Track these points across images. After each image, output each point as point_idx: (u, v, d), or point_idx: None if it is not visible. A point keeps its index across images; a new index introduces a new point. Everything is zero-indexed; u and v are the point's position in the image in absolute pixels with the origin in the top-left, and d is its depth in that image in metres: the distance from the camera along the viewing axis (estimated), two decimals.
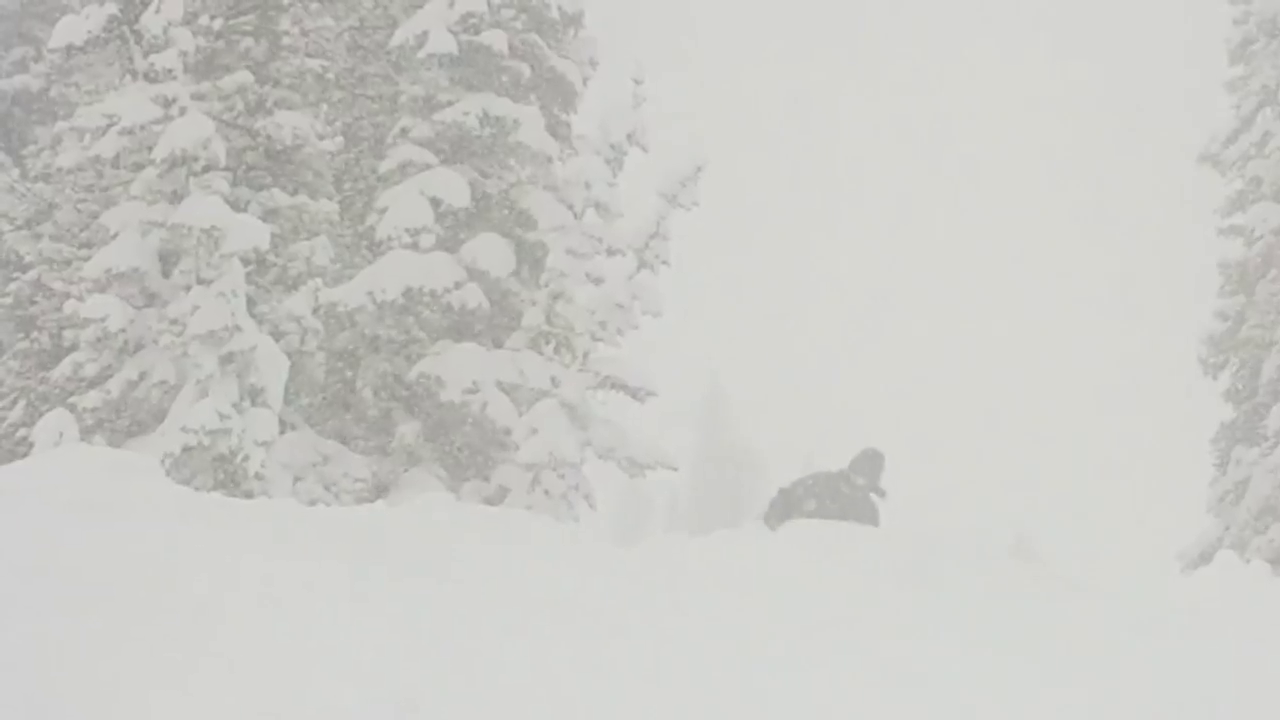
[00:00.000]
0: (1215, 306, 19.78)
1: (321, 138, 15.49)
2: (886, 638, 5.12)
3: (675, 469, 15.86)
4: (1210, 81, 20.70)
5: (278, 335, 13.95)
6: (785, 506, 9.78)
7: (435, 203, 14.87)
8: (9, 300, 15.43)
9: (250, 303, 13.58)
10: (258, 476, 12.73)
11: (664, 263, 15.63)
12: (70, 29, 14.48)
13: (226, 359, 12.96)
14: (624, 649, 4.74)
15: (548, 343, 14.85)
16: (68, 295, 14.20)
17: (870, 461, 9.85)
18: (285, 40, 15.48)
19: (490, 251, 15.03)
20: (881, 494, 9.79)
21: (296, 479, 13.59)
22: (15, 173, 16.78)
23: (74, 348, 13.95)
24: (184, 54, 14.04)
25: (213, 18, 14.86)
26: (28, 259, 15.29)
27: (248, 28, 15.18)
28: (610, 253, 15.50)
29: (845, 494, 9.72)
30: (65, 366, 13.78)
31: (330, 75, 15.92)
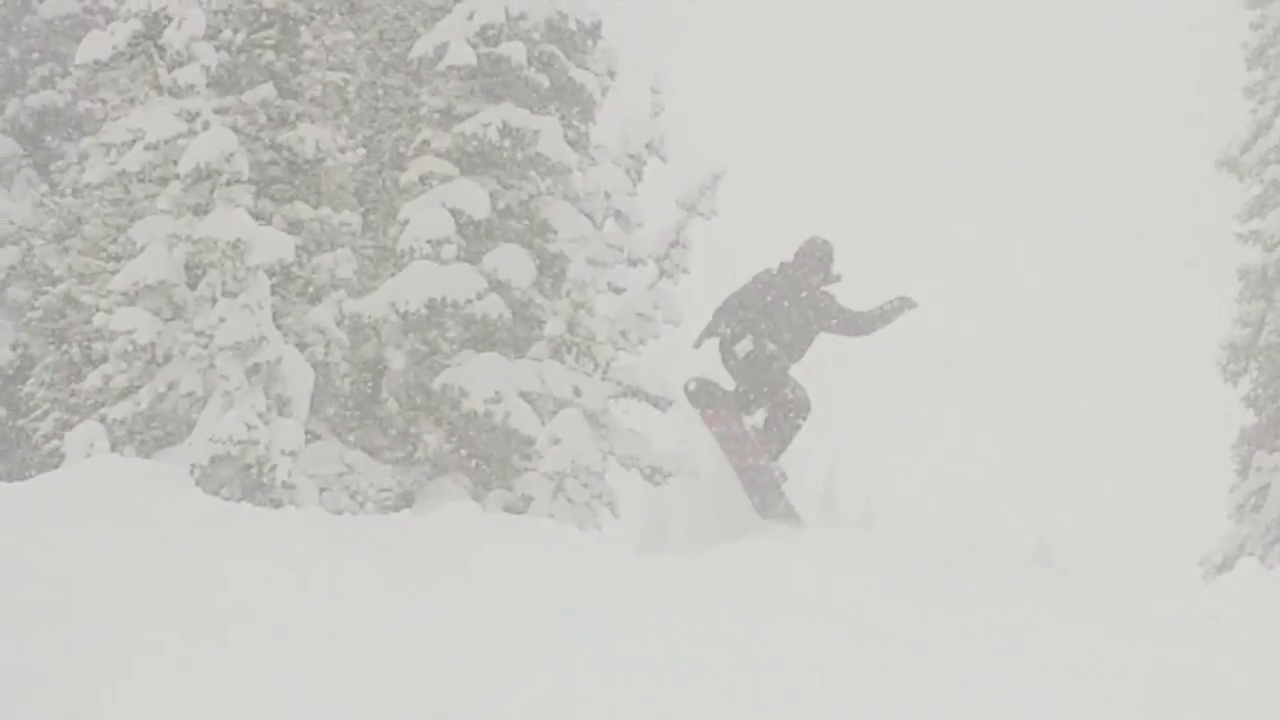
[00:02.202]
0: (1234, 312, 19.72)
1: (343, 150, 15.64)
2: (907, 645, 5.15)
3: (697, 477, 15.94)
4: (1228, 86, 20.68)
5: (302, 346, 14.11)
6: (732, 309, 8.82)
7: (456, 214, 14.98)
8: (39, 313, 15.62)
9: (275, 314, 13.73)
10: (285, 486, 12.86)
11: (685, 271, 15.70)
12: (95, 45, 14.68)
13: (253, 370, 13.11)
14: (647, 656, 4.79)
15: (569, 352, 14.95)
16: (97, 308, 14.38)
17: (817, 250, 8.80)
18: (306, 54, 15.66)
19: (511, 262, 15.13)
20: (837, 279, 8.88)
21: (322, 489, 13.71)
22: (44, 188, 16.97)
23: (103, 360, 14.13)
24: (206, 69, 14.22)
25: (235, 32, 15.05)
26: (57, 273, 15.49)
27: (269, 42, 15.35)
28: (631, 262, 15.58)
29: (800, 290, 8.74)
30: (95, 378, 13.95)
31: (351, 88, 16.08)
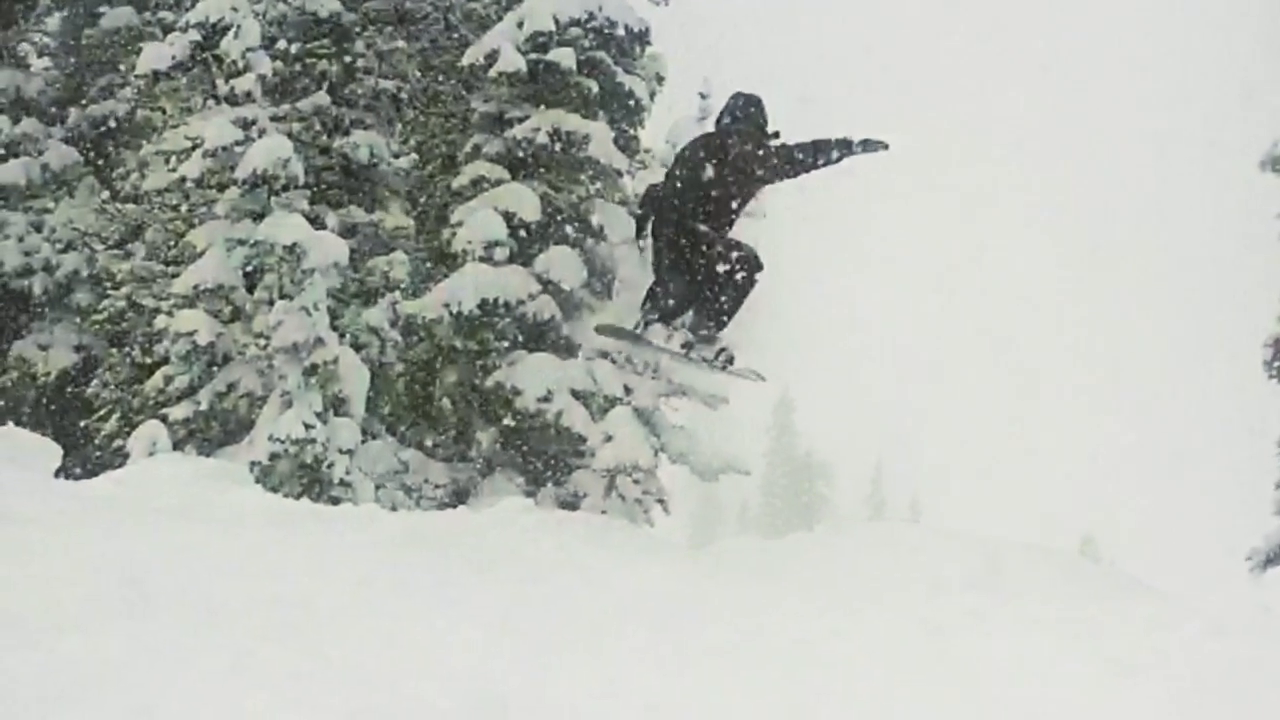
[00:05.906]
0: (1278, 310, 19.43)
1: (396, 156, 15.83)
2: (958, 637, 5.20)
3: (748, 473, 15.99)
4: (1273, 84, 20.37)
5: (358, 347, 14.30)
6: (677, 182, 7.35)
7: (508, 217, 15.12)
8: (102, 317, 15.90)
9: (331, 316, 13.94)
10: (342, 483, 13.06)
11: None
12: (155, 55, 14.97)
13: (310, 370, 13.32)
14: (699, 647, 4.87)
15: (620, 352, 15.04)
16: (158, 311, 14.67)
17: (746, 104, 7.42)
18: (359, 62, 15.88)
19: (562, 264, 15.25)
20: (776, 135, 7.46)
21: (378, 486, 13.90)
22: (105, 195, 17.27)
23: (164, 361, 14.40)
24: (262, 78, 14.46)
25: (290, 42, 15.29)
26: (119, 277, 15.76)
27: (323, 51, 15.60)
28: None
29: (734, 172, 7.40)
30: (157, 379, 14.23)
31: (404, 95, 16.28)
